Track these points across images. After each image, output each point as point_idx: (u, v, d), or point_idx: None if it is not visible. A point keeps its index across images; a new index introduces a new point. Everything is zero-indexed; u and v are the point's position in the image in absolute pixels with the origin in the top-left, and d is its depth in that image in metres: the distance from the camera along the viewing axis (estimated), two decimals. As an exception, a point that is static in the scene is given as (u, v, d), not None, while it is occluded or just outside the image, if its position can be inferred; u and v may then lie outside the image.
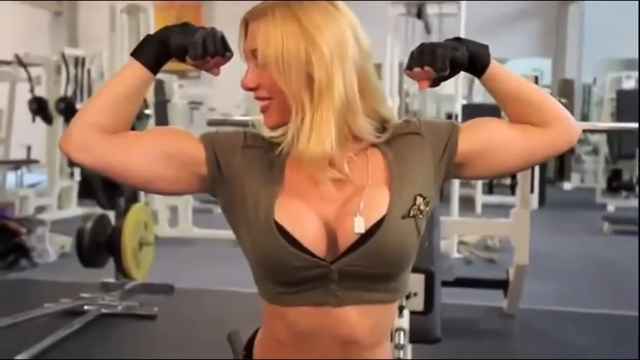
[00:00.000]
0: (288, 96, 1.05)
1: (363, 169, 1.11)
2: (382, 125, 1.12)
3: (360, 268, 1.06)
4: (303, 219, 1.07)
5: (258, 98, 1.10)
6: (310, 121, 1.05)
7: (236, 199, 1.11)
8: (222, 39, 1.10)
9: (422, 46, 1.10)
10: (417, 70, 1.09)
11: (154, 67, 1.10)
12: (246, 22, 1.09)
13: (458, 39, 1.12)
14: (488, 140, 1.14)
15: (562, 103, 1.19)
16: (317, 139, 1.04)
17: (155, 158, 1.09)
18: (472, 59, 1.11)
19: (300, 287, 1.07)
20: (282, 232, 1.06)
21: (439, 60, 1.08)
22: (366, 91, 1.09)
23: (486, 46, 1.13)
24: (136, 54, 1.10)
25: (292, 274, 1.06)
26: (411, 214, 1.08)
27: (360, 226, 1.05)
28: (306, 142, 1.04)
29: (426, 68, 1.09)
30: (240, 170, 1.11)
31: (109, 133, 1.08)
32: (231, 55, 1.11)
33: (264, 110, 1.10)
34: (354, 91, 1.06)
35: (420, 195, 1.10)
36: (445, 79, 1.12)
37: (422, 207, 1.10)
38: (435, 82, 1.12)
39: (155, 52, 1.10)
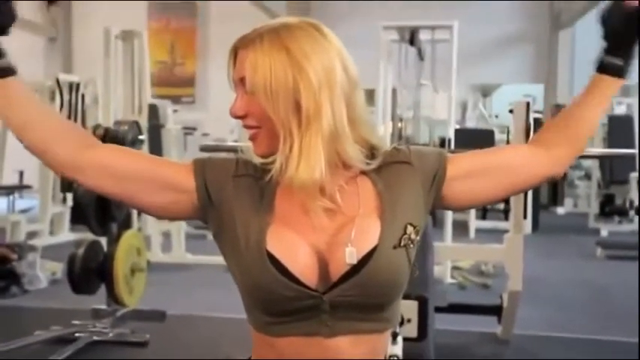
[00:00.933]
0: (276, 124, 1.05)
1: (353, 198, 1.10)
2: (371, 152, 1.12)
3: (352, 298, 1.05)
4: (294, 249, 1.06)
5: (246, 127, 1.10)
6: (299, 149, 1.04)
7: (226, 227, 1.11)
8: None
9: None
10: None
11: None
12: (235, 50, 1.10)
13: None
14: (475, 169, 1.15)
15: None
16: (306, 166, 1.04)
17: (148, 181, 1.11)
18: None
19: (291, 317, 1.07)
20: (273, 262, 1.05)
21: None
22: (355, 119, 1.09)
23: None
24: None
25: (283, 304, 1.05)
26: (402, 244, 1.08)
27: (351, 256, 1.05)
28: (295, 170, 1.04)
29: None
30: (230, 199, 1.11)
31: (72, 157, 1.11)
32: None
33: (253, 139, 1.10)
34: (343, 119, 1.06)
35: (411, 224, 1.10)
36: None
37: (412, 236, 1.10)
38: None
39: None
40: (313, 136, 1.04)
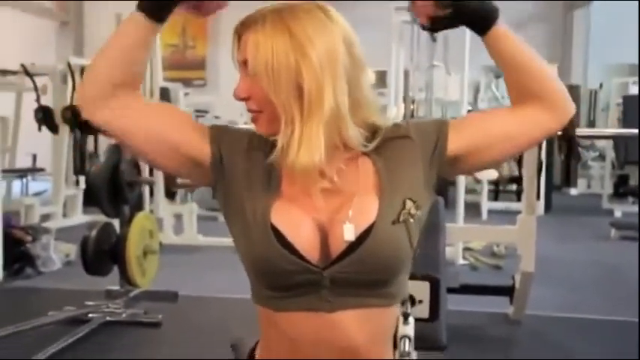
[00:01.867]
0: (278, 107, 1.05)
1: (353, 178, 1.10)
2: (373, 134, 1.12)
3: (351, 274, 1.06)
4: (298, 224, 1.07)
5: (249, 109, 1.10)
6: (300, 133, 1.04)
7: (234, 198, 1.11)
8: None
9: None
10: (419, 2, 1.10)
11: (160, 16, 1.09)
12: (238, 32, 1.09)
13: None
14: (478, 132, 1.14)
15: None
16: (306, 151, 1.03)
17: (166, 135, 1.10)
18: (478, 12, 1.10)
19: (292, 292, 1.07)
20: (277, 236, 1.05)
21: None
22: (359, 102, 1.08)
23: (496, 7, 1.11)
24: (139, 7, 1.08)
25: (285, 278, 1.06)
26: (401, 219, 1.08)
27: (349, 233, 1.05)
28: (296, 154, 1.04)
29: (428, 2, 1.09)
30: (240, 171, 1.12)
31: (121, 89, 1.08)
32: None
33: (254, 120, 1.11)
34: (345, 102, 1.05)
35: (410, 199, 1.09)
36: (445, 26, 1.11)
37: (412, 211, 1.09)
38: (436, 25, 1.11)
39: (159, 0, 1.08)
40: (315, 120, 1.04)
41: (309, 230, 1.07)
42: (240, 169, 1.12)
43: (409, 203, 1.09)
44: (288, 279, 1.06)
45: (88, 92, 1.09)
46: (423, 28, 1.13)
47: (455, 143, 1.13)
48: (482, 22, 1.10)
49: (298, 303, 1.07)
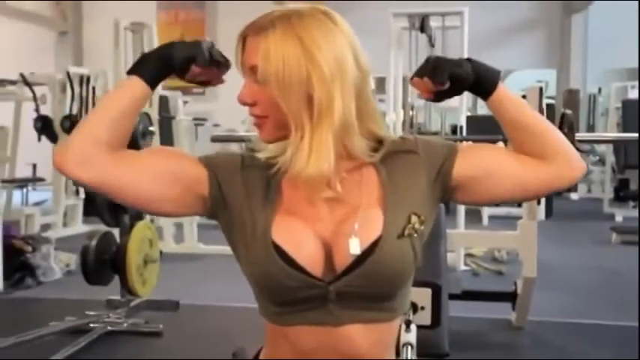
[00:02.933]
0: (288, 115, 1.04)
1: (356, 188, 1.10)
2: (377, 144, 1.11)
3: (357, 288, 1.05)
4: (300, 238, 1.06)
5: (253, 115, 1.09)
6: (309, 142, 1.03)
7: (235, 220, 1.10)
8: (220, 51, 1.11)
9: (428, 58, 1.11)
10: (417, 80, 1.10)
11: (153, 82, 1.09)
12: (244, 37, 1.08)
13: (468, 59, 1.12)
14: (484, 167, 1.12)
15: (567, 113, 1.18)
16: (316, 160, 1.03)
17: (158, 178, 1.07)
18: (478, 80, 1.10)
19: (298, 307, 1.06)
20: (279, 252, 1.05)
21: (439, 74, 1.08)
22: (364, 111, 1.08)
23: (497, 71, 1.12)
24: (134, 70, 1.08)
25: (289, 293, 1.05)
26: (406, 234, 1.07)
27: (355, 247, 1.04)
28: (305, 163, 1.03)
29: (425, 79, 1.09)
30: (239, 191, 1.11)
31: (107, 148, 1.05)
32: (230, 64, 1.12)
33: (258, 125, 1.09)
34: (352, 112, 1.05)
35: (415, 213, 1.09)
36: (449, 95, 1.12)
37: (417, 225, 1.08)
38: (438, 97, 1.12)
39: (154, 67, 1.09)
40: (324, 130, 1.03)
41: (312, 244, 1.06)
42: (239, 189, 1.11)
43: (414, 218, 1.08)
44: (293, 294, 1.05)
45: (73, 155, 1.04)
46: (426, 99, 1.15)
47: (460, 170, 1.12)
48: (482, 89, 1.11)
49: (304, 317, 1.07)
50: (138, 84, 1.08)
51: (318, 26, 1.05)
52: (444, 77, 1.08)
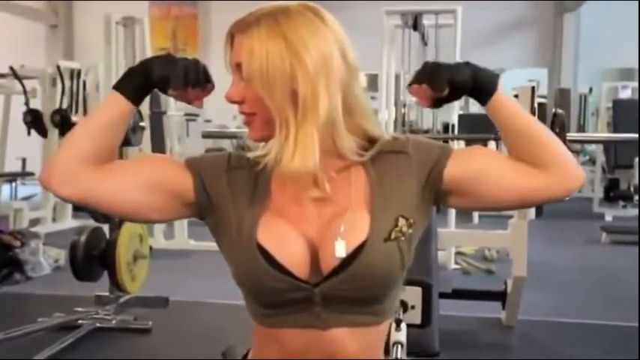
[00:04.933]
0: (273, 112, 1.03)
1: (345, 189, 1.08)
2: (369, 143, 1.10)
3: (343, 292, 1.04)
4: (286, 240, 1.05)
5: (242, 112, 1.08)
6: (294, 138, 1.02)
7: (222, 222, 1.10)
8: (205, 70, 1.09)
9: (425, 64, 1.10)
10: (415, 87, 1.09)
11: (136, 99, 1.09)
12: (231, 35, 1.07)
13: (466, 63, 1.10)
14: (478, 170, 1.09)
15: (559, 113, 1.17)
16: (301, 156, 1.02)
17: (143, 187, 1.08)
18: (477, 85, 1.08)
19: (284, 309, 1.05)
20: (263, 254, 1.04)
21: (437, 80, 1.07)
22: (352, 108, 1.07)
23: (496, 75, 1.10)
24: (117, 87, 1.08)
25: (275, 296, 1.04)
26: (393, 237, 1.05)
27: (340, 250, 1.03)
28: (290, 159, 1.02)
29: (424, 86, 1.08)
30: (225, 194, 1.10)
31: (93, 165, 1.06)
32: (213, 87, 1.10)
33: (248, 123, 1.09)
34: (338, 108, 1.04)
35: (403, 216, 1.07)
36: (447, 101, 1.10)
37: (404, 229, 1.07)
38: (437, 103, 1.10)
39: (137, 84, 1.08)
40: (309, 125, 1.02)
41: (299, 246, 1.05)
42: (225, 191, 1.10)
43: (401, 221, 1.07)
44: (278, 296, 1.04)
45: (58, 173, 1.05)
46: (425, 106, 1.13)
47: (452, 173, 1.09)
48: (480, 94, 1.09)
49: (291, 320, 1.06)
50: (120, 100, 1.08)
51: (304, 22, 1.04)
52: (443, 85, 1.07)
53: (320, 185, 1.07)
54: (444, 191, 1.11)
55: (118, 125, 1.09)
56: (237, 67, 1.06)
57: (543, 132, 1.10)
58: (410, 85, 1.10)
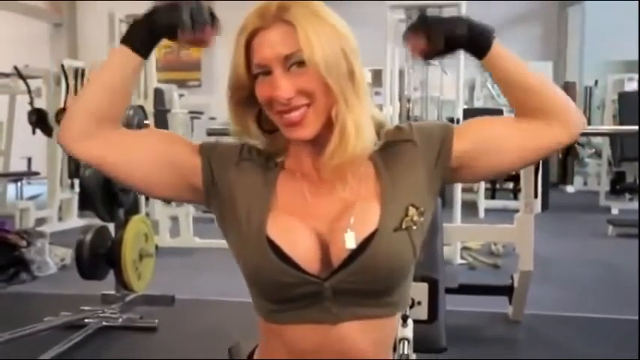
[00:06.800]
0: (336, 94, 1.02)
1: (355, 181, 1.07)
2: (377, 131, 1.10)
3: (353, 284, 1.03)
4: (295, 235, 1.03)
5: (292, 109, 1.02)
6: (357, 117, 1.04)
7: (228, 213, 1.08)
8: (210, 9, 1.06)
9: (421, 17, 1.09)
10: (412, 39, 1.09)
11: (144, 51, 1.07)
12: (253, 32, 1.03)
13: (463, 17, 1.09)
14: (484, 140, 1.10)
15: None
16: (362, 135, 1.04)
17: (156, 162, 1.07)
18: (473, 39, 1.07)
19: (293, 305, 1.04)
20: (273, 248, 1.02)
21: (435, 35, 1.06)
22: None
23: (491, 29, 1.09)
24: (124, 41, 1.06)
25: (284, 291, 1.03)
26: (404, 226, 1.05)
27: (350, 241, 1.02)
28: (355, 139, 1.02)
29: (421, 41, 1.08)
30: (233, 184, 1.09)
31: (106, 123, 1.05)
32: (219, 24, 1.07)
33: (296, 123, 1.03)
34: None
35: (413, 205, 1.07)
36: (441, 55, 1.09)
37: (415, 217, 1.06)
38: (430, 56, 1.10)
39: (143, 36, 1.06)
40: (365, 107, 1.05)
41: (308, 240, 1.04)
42: (233, 181, 1.09)
43: (412, 210, 1.06)
44: (288, 292, 1.03)
45: (76, 125, 1.05)
46: (417, 58, 1.12)
47: (459, 149, 1.10)
48: (477, 48, 1.09)
49: (301, 316, 1.04)
50: (128, 54, 1.06)
51: (323, 6, 1.05)
52: (441, 39, 1.07)
53: (331, 181, 1.07)
54: (454, 168, 1.11)
55: (131, 80, 1.07)
56: (285, 60, 1.01)
57: (542, 80, 1.10)
58: (406, 36, 1.09)
